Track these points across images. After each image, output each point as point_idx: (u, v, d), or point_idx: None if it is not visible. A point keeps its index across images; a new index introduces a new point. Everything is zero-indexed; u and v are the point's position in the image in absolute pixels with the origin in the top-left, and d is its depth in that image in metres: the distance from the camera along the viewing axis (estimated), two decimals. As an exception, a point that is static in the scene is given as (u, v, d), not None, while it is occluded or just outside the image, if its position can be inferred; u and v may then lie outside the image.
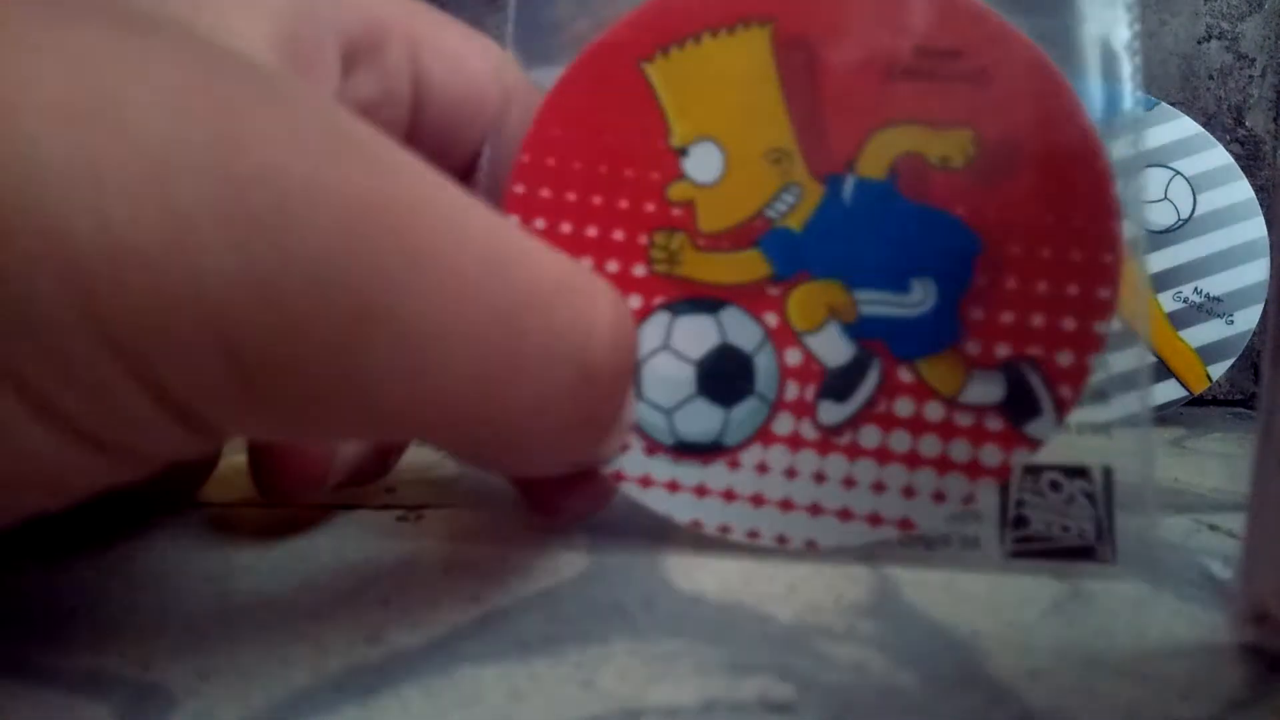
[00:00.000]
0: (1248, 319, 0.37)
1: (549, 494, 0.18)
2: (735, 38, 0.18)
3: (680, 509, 0.18)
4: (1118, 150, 0.17)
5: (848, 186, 0.18)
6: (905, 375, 0.18)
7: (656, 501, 0.18)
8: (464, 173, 0.19)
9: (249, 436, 0.12)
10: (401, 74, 0.18)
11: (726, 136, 0.18)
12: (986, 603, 0.16)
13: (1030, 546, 0.18)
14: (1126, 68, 0.18)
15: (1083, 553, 0.17)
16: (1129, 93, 0.18)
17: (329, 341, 0.11)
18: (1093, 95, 0.18)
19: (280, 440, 0.17)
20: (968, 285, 0.18)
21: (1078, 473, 0.18)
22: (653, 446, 0.18)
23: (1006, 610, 0.15)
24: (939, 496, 0.17)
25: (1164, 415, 0.38)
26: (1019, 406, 0.17)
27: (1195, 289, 0.38)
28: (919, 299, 0.18)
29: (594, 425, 0.16)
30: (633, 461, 0.18)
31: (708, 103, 0.18)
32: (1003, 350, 0.17)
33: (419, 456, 0.26)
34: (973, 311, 0.18)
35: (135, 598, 0.16)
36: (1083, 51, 0.18)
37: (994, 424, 0.17)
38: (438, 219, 0.12)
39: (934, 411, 0.18)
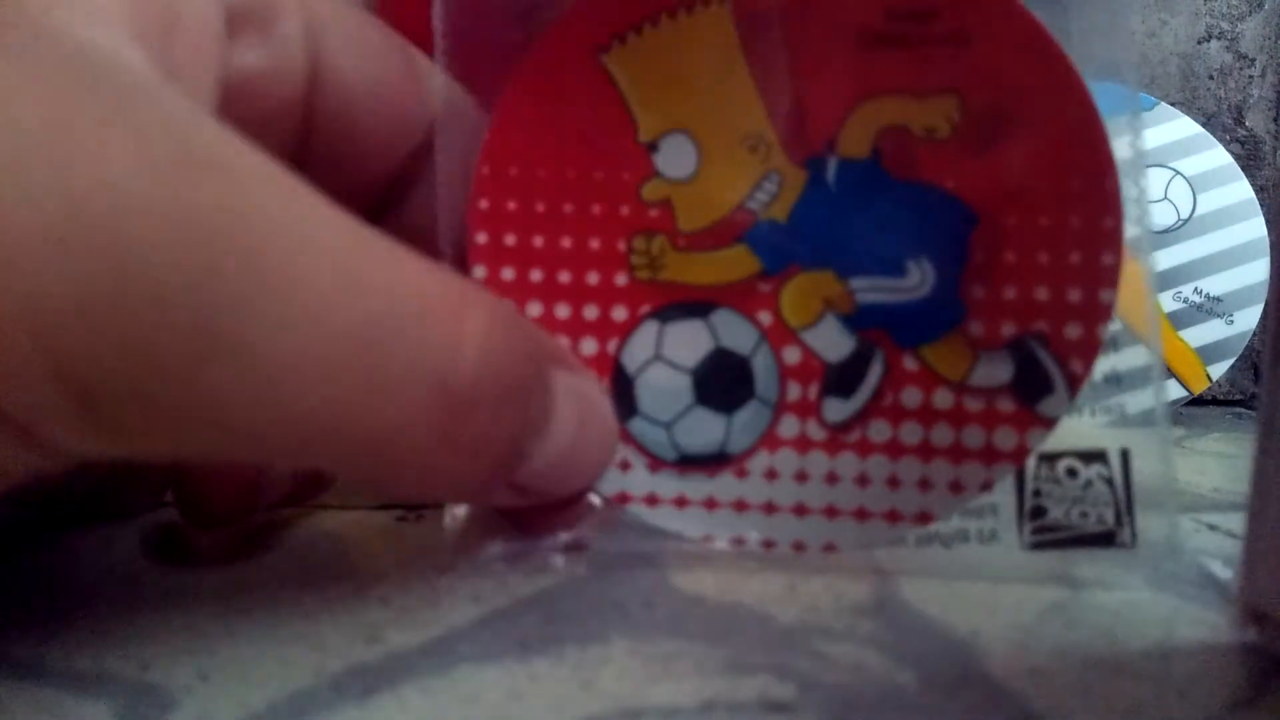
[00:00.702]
0: (1248, 319, 0.37)
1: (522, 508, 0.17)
2: (695, 18, 0.17)
3: (690, 524, 0.18)
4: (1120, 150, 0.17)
5: (830, 169, 0.17)
6: (910, 363, 0.17)
7: (665, 520, 0.18)
8: (387, 173, 0.18)
9: (101, 457, 0.11)
10: (294, 47, 0.16)
11: (697, 127, 0.17)
12: (986, 602, 0.16)
13: (1050, 536, 0.17)
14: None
15: (1103, 538, 0.17)
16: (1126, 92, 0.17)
17: (172, 365, 0.10)
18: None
19: (186, 459, 0.16)
20: (966, 262, 0.17)
21: (1095, 457, 0.17)
22: (655, 463, 0.18)
23: (1006, 610, 0.15)
24: (956, 486, 0.17)
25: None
26: (1030, 385, 0.17)
27: (1195, 289, 0.38)
28: (917, 282, 0.17)
29: (465, 452, 0.14)
30: (637, 480, 0.18)
31: (674, 92, 0.17)
32: (1008, 328, 0.17)
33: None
34: (974, 290, 0.17)
35: (135, 598, 0.16)
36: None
37: (1006, 405, 0.17)
38: (289, 236, 0.11)
39: (943, 399, 0.17)
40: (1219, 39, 0.47)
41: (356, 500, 0.21)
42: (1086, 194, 0.16)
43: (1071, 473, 0.17)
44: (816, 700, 0.12)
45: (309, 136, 0.17)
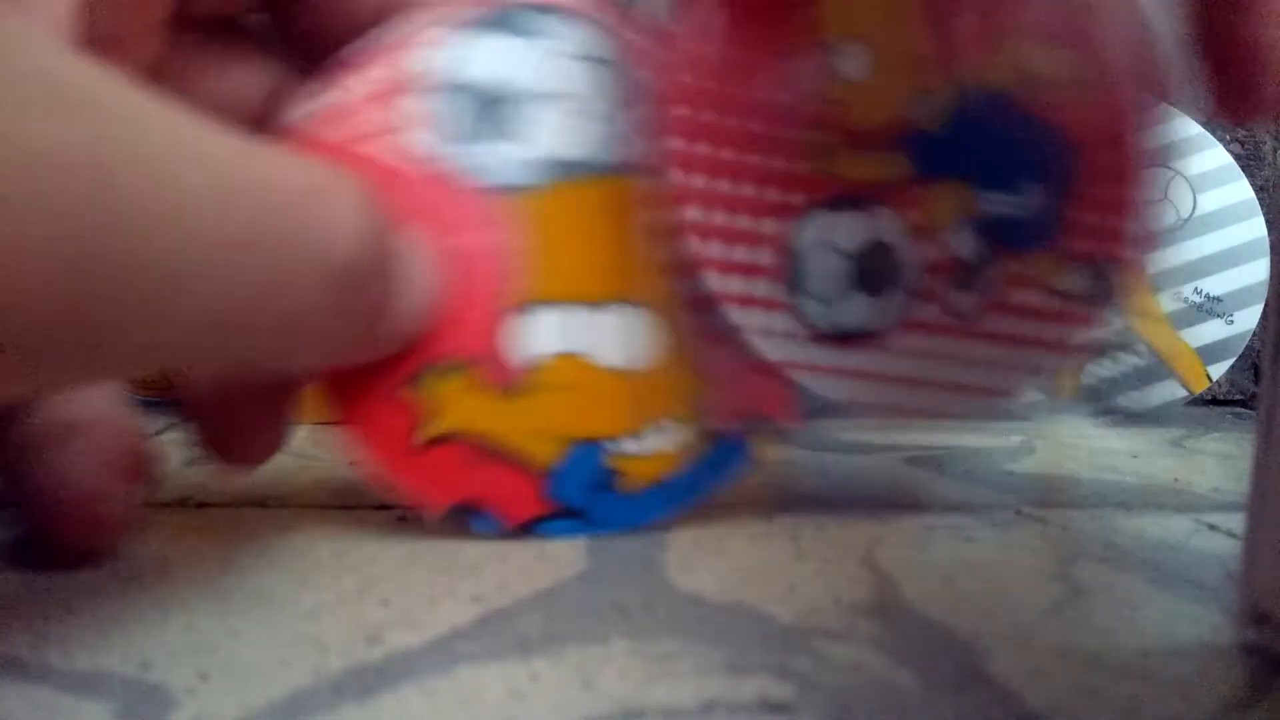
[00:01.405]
0: (1248, 319, 0.37)
1: (226, 441, 0.18)
2: None
3: (840, 390, 0.20)
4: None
5: (977, 94, 0.20)
6: (1017, 267, 0.20)
7: (821, 386, 0.20)
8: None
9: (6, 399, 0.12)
10: None
11: (873, 38, 0.19)
12: (986, 602, 0.16)
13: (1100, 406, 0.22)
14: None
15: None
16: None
17: (63, 299, 0.10)
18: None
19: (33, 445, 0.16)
20: (1066, 189, 0.20)
21: (1128, 346, 0.22)
22: (817, 335, 0.20)
23: (1006, 610, 0.15)
24: (1039, 370, 0.21)
25: (1164, 415, 0.38)
26: (1098, 293, 0.20)
27: (1195, 289, 0.37)
28: (1029, 201, 0.20)
29: (353, 320, 0.16)
30: (800, 349, 0.20)
31: (857, 5, 0.19)
32: (1089, 246, 0.20)
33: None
34: (1069, 212, 0.20)
35: (135, 598, 0.16)
36: None
37: (1080, 309, 0.20)
38: (162, 158, 0.12)
39: (1038, 298, 0.20)
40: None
41: (357, 500, 0.21)
42: (1128, 141, 0.20)
43: (1114, 358, 0.23)
44: (816, 700, 0.12)
45: None
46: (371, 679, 0.13)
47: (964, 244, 0.20)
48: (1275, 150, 0.46)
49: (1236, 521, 0.18)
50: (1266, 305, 0.36)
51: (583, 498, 0.19)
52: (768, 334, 0.19)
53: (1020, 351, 0.20)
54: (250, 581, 0.16)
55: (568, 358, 0.19)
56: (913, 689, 0.13)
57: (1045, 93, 0.20)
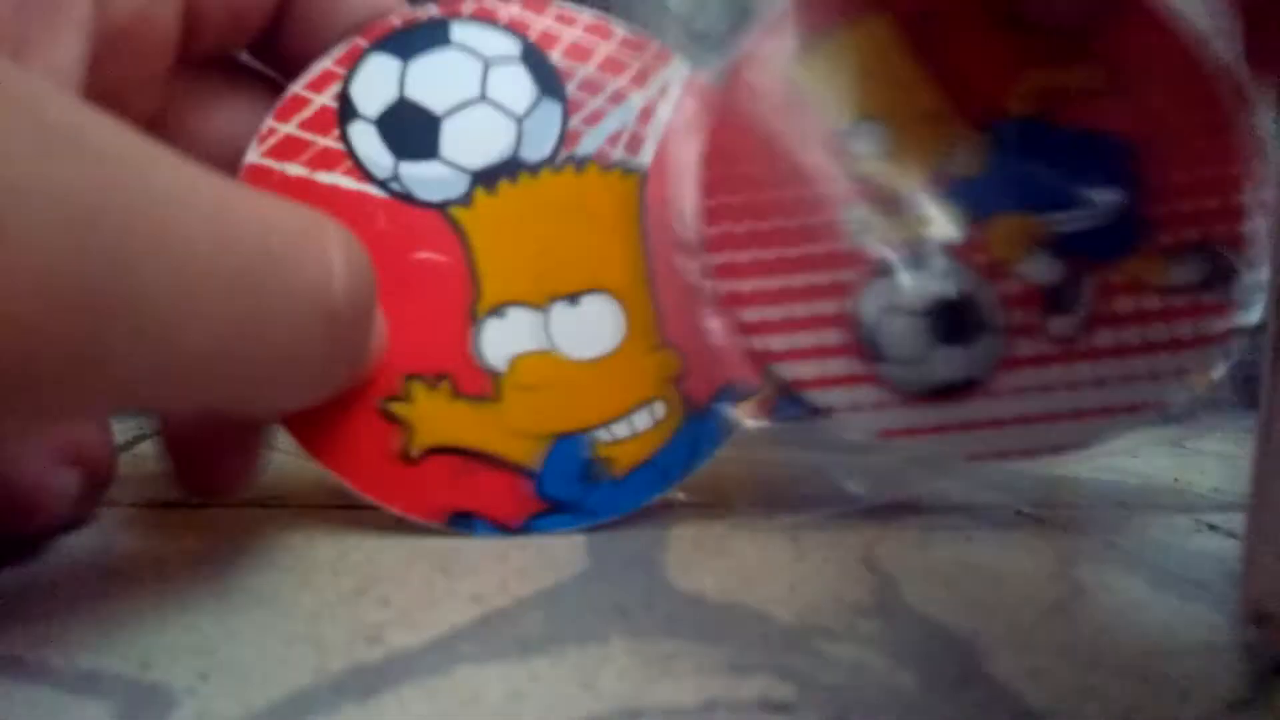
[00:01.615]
0: (1248, 319, 0.37)
1: (198, 469, 0.18)
2: (855, 29, 0.20)
3: (953, 446, 0.20)
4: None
5: (1007, 128, 0.20)
6: (1116, 276, 0.20)
7: (930, 447, 0.20)
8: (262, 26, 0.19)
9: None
10: None
11: (884, 113, 0.20)
12: (986, 602, 0.16)
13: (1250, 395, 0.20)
14: None
15: None
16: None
17: (65, 341, 0.11)
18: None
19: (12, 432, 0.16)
20: (1139, 187, 0.19)
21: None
22: (909, 399, 0.20)
23: (1006, 610, 0.15)
24: (1182, 372, 0.20)
25: (1164, 415, 0.38)
26: (1221, 276, 0.20)
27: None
28: (1101, 208, 0.20)
29: (344, 360, 0.16)
30: (895, 416, 0.20)
31: (857, 89, 0.20)
32: (1190, 233, 0.19)
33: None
34: (1153, 208, 0.20)
35: (135, 597, 0.16)
36: None
37: (1207, 297, 0.20)
38: (163, 202, 0.12)
39: (1152, 301, 0.20)
40: (1219, 38, 0.47)
41: (357, 500, 0.21)
42: (1224, 120, 0.19)
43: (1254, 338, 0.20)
44: (817, 700, 0.12)
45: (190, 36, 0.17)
46: (371, 679, 0.13)
47: (1042, 270, 0.20)
48: (1276, 150, 0.46)
49: (1236, 521, 0.18)
50: (1266, 305, 0.36)
51: (573, 490, 0.19)
52: (857, 409, 0.20)
53: (1156, 359, 0.20)
54: (250, 581, 0.16)
55: (536, 355, 0.19)
56: (913, 689, 0.13)
57: (1083, 104, 0.20)
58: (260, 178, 0.18)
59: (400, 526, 0.19)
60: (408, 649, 0.14)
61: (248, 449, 0.18)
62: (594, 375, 0.19)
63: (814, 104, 0.20)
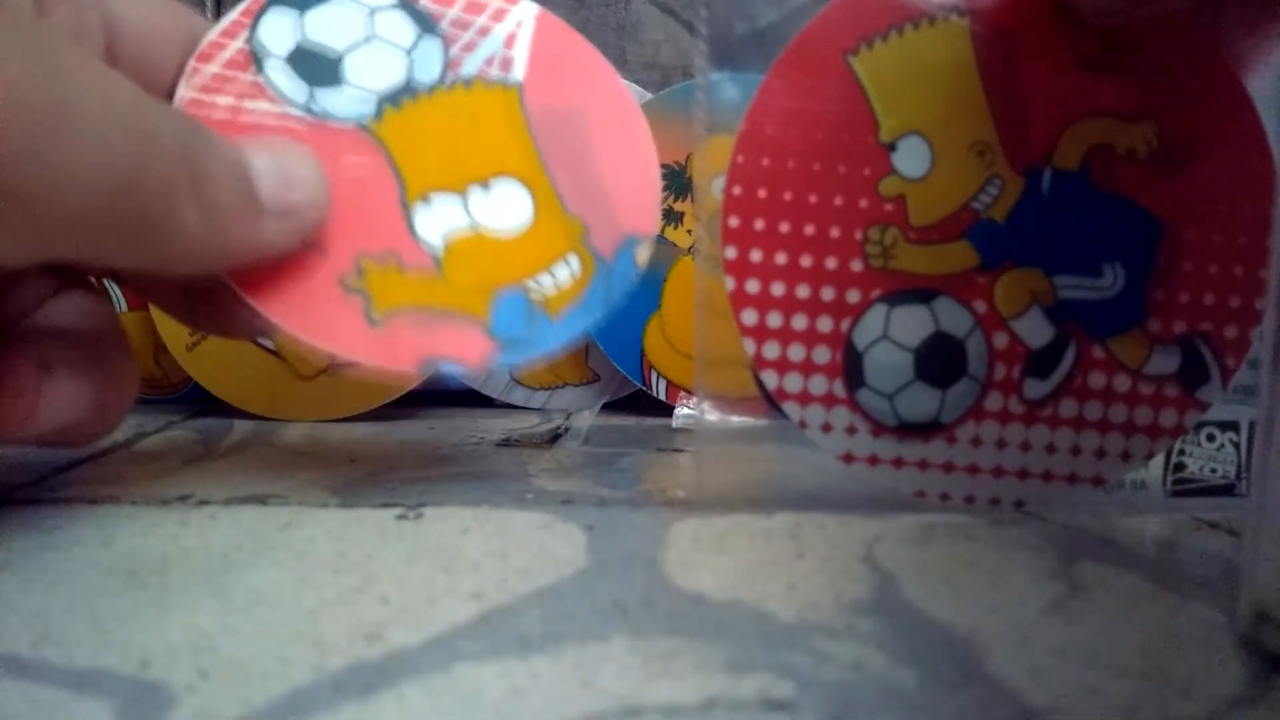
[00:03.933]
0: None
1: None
2: (936, 29, 0.19)
3: (905, 481, 0.20)
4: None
5: (1046, 178, 0.20)
6: (1098, 352, 0.20)
7: (884, 477, 0.20)
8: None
9: None
10: (92, 13, 0.19)
11: (933, 131, 0.20)
12: (986, 601, 0.16)
13: (1185, 487, 0.21)
14: None
15: (1225, 490, 0.21)
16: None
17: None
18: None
19: None
20: (1151, 268, 0.20)
21: (1230, 426, 0.21)
22: (878, 429, 0.20)
23: (1006, 608, 0.15)
24: (1126, 455, 0.20)
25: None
26: (1192, 375, 0.20)
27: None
28: (1110, 282, 0.20)
29: (267, 246, 0.19)
30: (861, 443, 0.20)
31: (913, 96, 0.19)
32: (1180, 326, 0.20)
33: (418, 454, 0.26)
34: (1155, 292, 0.20)
35: (135, 597, 0.16)
36: None
37: (1171, 391, 0.20)
38: (92, 93, 0.15)
39: (1122, 382, 0.20)
40: None
41: (357, 499, 0.21)
42: (1255, 217, 0.19)
43: (1210, 437, 0.21)
44: (816, 698, 0.12)
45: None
46: (371, 677, 0.13)
47: (1033, 331, 0.20)
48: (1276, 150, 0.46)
49: (1236, 520, 0.18)
50: (1266, 305, 0.36)
51: (519, 329, 0.21)
52: (826, 429, 0.20)
53: (1107, 437, 0.20)
54: (250, 580, 0.16)
55: (464, 231, 0.21)
56: (912, 687, 0.13)
57: (1124, 170, 0.19)
58: (197, 109, 0.20)
59: (400, 525, 0.19)
60: (407, 647, 0.14)
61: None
62: (516, 242, 0.22)
63: (864, 104, 0.19)
